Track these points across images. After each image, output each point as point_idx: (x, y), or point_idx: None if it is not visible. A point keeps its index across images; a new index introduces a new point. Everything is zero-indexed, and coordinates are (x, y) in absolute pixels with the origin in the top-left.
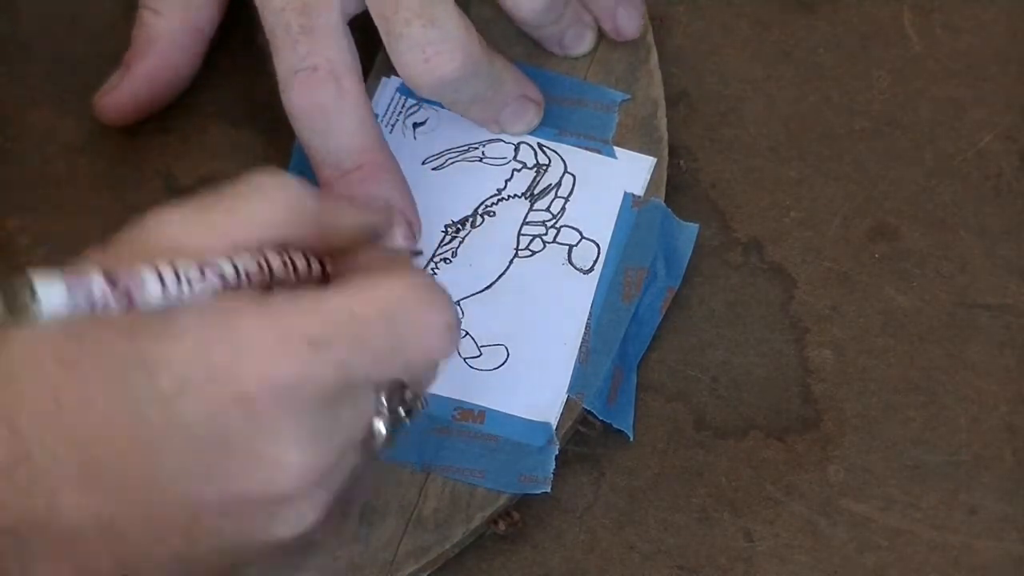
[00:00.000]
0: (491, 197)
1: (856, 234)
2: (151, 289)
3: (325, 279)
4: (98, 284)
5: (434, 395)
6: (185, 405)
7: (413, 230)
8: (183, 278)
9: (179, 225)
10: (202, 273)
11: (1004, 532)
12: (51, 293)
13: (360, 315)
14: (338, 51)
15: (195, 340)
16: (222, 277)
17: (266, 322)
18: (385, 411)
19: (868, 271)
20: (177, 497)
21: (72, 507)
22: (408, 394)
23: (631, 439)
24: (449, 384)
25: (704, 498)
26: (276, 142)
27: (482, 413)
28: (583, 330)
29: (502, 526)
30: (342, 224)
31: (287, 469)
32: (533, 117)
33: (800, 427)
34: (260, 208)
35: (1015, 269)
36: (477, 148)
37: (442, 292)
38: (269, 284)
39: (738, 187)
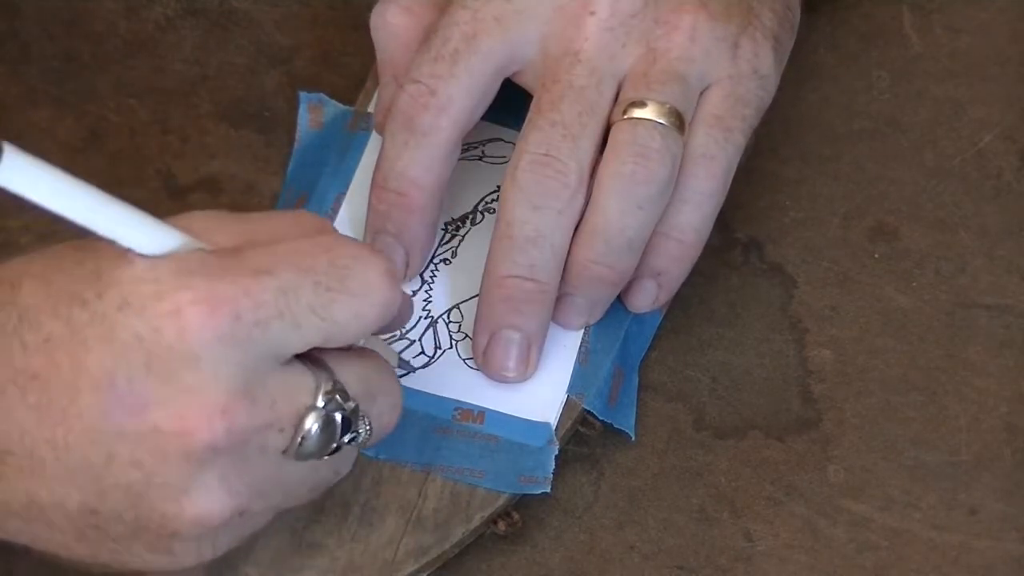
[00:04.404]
0: (491, 194)
1: (856, 234)
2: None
3: None
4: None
5: (434, 395)
6: (124, 319)
7: (407, 270)
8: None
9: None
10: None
11: (1004, 532)
12: (15, 162)
13: (302, 249)
14: (464, 93)
15: (145, 265)
16: None
17: (212, 257)
18: (320, 407)
19: (868, 271)
20: (94, 424)
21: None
22: (349, 403)
23: (632, 439)
24: (449, 384)
25: (704, 498)
26: (276, 142)
27: (482, 413)
28: (582, 331)
29: (502, 526)
30: None
31: (196, 400)
32: None
33: (800, 427)
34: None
35: (1015, 269)
36: (477, 147)
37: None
38: None
39: (738, 187)
